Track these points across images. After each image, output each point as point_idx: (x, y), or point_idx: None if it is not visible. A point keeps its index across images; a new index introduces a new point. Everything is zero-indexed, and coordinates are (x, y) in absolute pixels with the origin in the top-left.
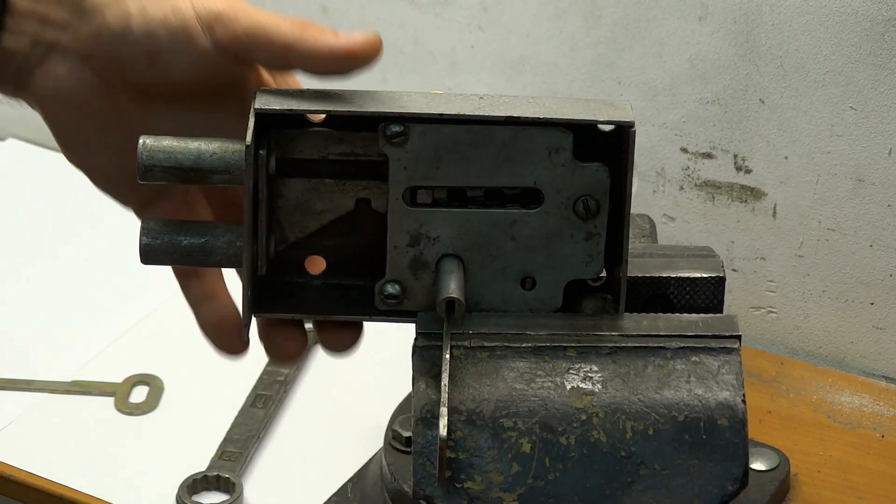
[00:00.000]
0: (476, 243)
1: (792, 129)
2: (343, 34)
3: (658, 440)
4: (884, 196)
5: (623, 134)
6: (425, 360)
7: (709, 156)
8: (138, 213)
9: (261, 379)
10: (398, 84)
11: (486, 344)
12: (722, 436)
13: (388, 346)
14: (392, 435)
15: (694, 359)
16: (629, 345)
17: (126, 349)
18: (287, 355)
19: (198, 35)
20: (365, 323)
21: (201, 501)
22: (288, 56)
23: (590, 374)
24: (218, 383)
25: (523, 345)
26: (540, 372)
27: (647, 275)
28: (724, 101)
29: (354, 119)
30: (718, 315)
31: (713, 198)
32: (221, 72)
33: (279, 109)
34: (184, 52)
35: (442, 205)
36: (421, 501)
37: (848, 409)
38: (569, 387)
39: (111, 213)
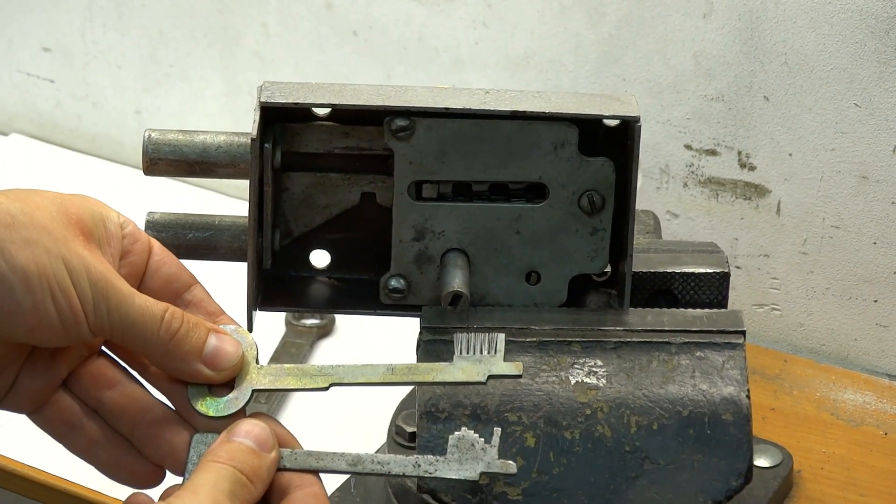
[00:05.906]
0: (481, 238)
1: (796, 127)
2: (211, 356)
3: (662, 435)
4: (888, 193)
5: (628, 129)
6: (430, 354)
7: (713, 153)
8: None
9: None
10: (402, 80)
11: None
12: (726, 431)
13: (392, 340)
14: (395, 430)
15: (698, 354)
16: (634, 340)
17: None
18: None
19: (80, 318)
20: (370, 317)
21: None
22: (148, 358)
23: (594, 369)
24: None
25: (528, 339)
26: (544, 366)
27: (652, 270)
28: (729, 98)
29: (360, 113)
30: (723, 310)
31: (717, 195)
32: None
33: (285, 103)
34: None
35: (447, 199)
36: (425, 496)
37: (851, 407)
38: (573, 381)
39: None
